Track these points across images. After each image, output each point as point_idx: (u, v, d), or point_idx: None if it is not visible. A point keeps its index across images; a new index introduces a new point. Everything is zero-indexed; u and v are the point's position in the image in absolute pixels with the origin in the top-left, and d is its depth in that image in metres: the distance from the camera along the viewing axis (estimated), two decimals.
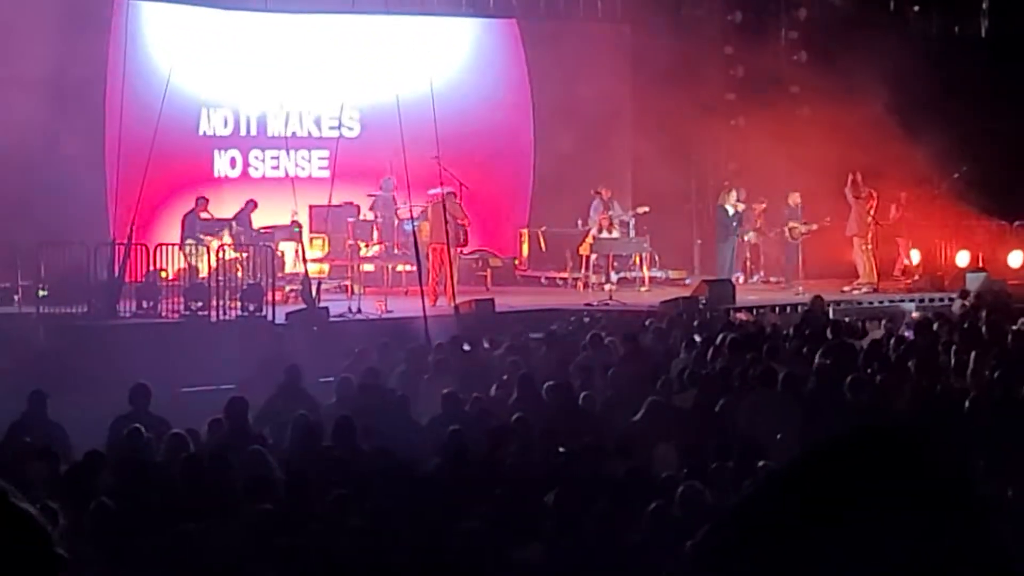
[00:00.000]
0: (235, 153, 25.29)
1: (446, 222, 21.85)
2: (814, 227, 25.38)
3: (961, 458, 1.62)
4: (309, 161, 25.33)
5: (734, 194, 23.92)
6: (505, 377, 14.22)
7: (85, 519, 8.67)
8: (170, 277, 21.07)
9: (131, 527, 8.75)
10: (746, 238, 26.41)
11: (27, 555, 1.97)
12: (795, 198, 25.47)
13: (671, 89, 25.50)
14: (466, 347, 16.30)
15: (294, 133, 25.26)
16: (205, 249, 21.15)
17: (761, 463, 9.56)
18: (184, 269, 21.36)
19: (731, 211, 23.76)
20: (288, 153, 23.80)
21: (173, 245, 21.38)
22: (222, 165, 25.09)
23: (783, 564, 1.50)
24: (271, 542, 8.37)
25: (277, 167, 24.81)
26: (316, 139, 25.66)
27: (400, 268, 23.38)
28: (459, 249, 22.83)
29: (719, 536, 1.57)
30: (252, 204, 22.71)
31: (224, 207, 22.63)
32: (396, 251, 23.33)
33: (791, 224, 25.18)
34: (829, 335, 16.75)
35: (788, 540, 1.50)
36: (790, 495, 1.54)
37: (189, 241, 21.54)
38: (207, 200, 22.01)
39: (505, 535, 8.66)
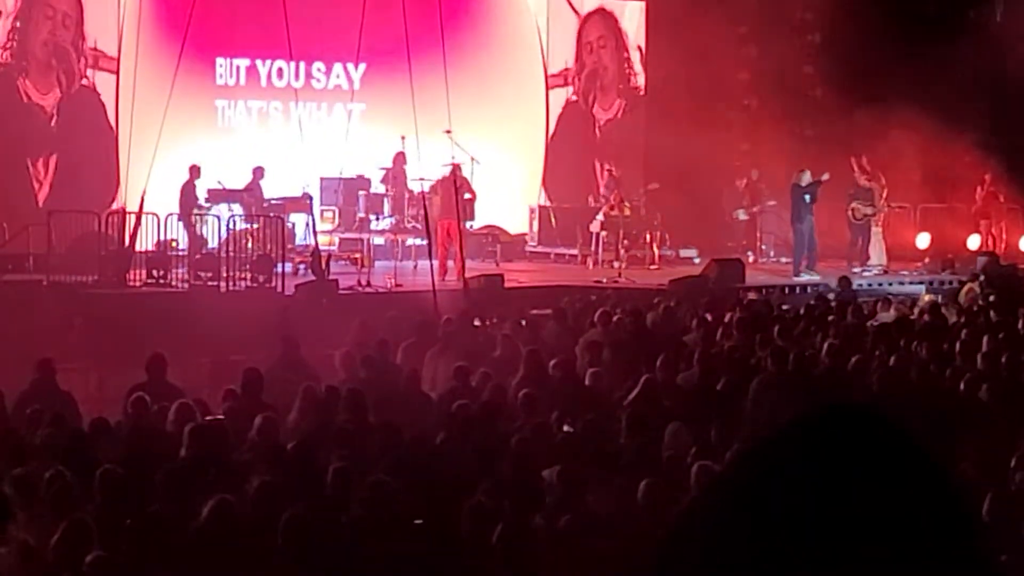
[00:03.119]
0: (247, 123, 25.28)
1: (456, 198, 21.83)
2: (884, 209, 25.16)
3: (940, 441, 1.64)
4: (321, 134, 25.29)
5: (807, 174, 23.79)
6: (497, 352, 14.25)
7: (93, 486, 8.72)
8: (181, 247, 21.12)
9: (138, 495, 8.80)
10: (738, 216, 26.52)
11: None
12: (863, 179, 25.19)
13: (684, 67, 25.45)
14: (477, 322, 16.32)
15: (305, 104, 25.23)
16: (215, 219, 21.14)
17: None
18: (194, 240, 21.34)
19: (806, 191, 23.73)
20: (300, 126, 23.76)
21: (193, 214, 21.43)
22: (233, 136, 25.08)
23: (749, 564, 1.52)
24: (277, 513, 8.40)
25: (288, 138, 24.77)
26: (328, 111, 25.64)
27: (410, 242, 23.39)
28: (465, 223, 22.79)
29: (682, 537, 1.58)
30: (260, 171, 22.72)
31: (234, 177, 22.63)
32: (408, 224, 23.34)
33: (854, 204, 25.01)
34: (834, 316, 16.78)
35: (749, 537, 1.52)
36: (751, 487, 1.56)
37: (195, 211, 21.55)
38: (199, 167, 22.01)
39: (510, 510, 8.68)
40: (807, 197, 23.70)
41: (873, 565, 1.50)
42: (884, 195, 25.13)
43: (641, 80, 28.54)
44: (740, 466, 1.59)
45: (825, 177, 23.71)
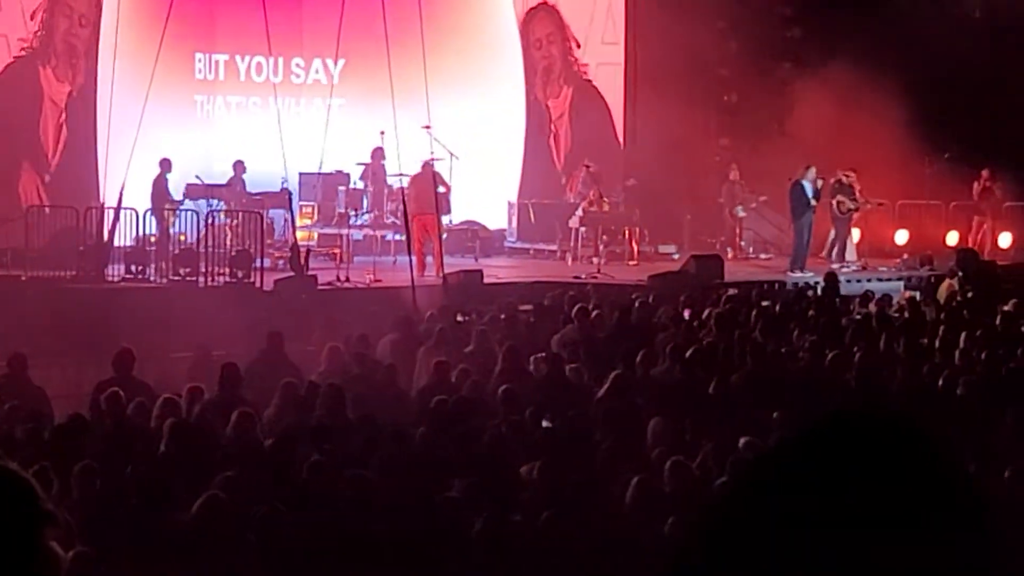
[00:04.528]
0: (226, 118, 25.24)
1: (436, 193, 21.79)
2: (867, 205, 25.22)
3: (952, 444, 1.63)
4: (300, 129, 25.23)
5: (812, 171, 23.81)
6: (470, 348, 14.23)
7: (71, 481, 8.70)
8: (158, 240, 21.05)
9: (117, 491, 8.77)
10: (738, 213, 26.50)
11: (11, 511, 1.97)
12: (850, 177, 25.19)
13: (664, 62, 25.45)
14: (460, 318, 16.31)
15: (284, 99, 25.16)
16: (193, 215, 21.07)
17: (743, 440, 9.59)
18: (169, 234, 21.23)
19: (809, 188, 23.71)
20: (279, 120, 23.73)
21: (165, 209, 21.38)
22: (213, 129, 25.02)
23: (759, 565, 1.52)
24: (252, 509, 8.39)
25: (267, 133, 24.70)
26: (307, 106, 25.58)
27: (389, 237, 23.35)
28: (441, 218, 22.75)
29: (693, 536, 1.58)
30: (241, 166, 22.68)
31: (212, 172, 22.59)
32: (387, 219, 23.29)
33: (839, 198, 25.02)
34: (813, 312, 16.80)
35: (764, 540, 1.51)
36: (765, 490, 1.55)
37: (166, 206, 21.49)
38: (170, 161, 21.97)
39: (487, 505, 8.68)
40: (809, 193, 23.74)
41: (878, 567, 1.50)
42: (860, 191, 25.18)
43: (592, 66, 28.40)
44: (746, 471, 1.59)
45: (820, 183, 23.79)
